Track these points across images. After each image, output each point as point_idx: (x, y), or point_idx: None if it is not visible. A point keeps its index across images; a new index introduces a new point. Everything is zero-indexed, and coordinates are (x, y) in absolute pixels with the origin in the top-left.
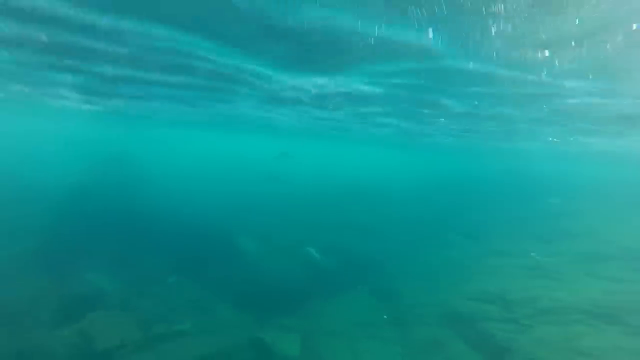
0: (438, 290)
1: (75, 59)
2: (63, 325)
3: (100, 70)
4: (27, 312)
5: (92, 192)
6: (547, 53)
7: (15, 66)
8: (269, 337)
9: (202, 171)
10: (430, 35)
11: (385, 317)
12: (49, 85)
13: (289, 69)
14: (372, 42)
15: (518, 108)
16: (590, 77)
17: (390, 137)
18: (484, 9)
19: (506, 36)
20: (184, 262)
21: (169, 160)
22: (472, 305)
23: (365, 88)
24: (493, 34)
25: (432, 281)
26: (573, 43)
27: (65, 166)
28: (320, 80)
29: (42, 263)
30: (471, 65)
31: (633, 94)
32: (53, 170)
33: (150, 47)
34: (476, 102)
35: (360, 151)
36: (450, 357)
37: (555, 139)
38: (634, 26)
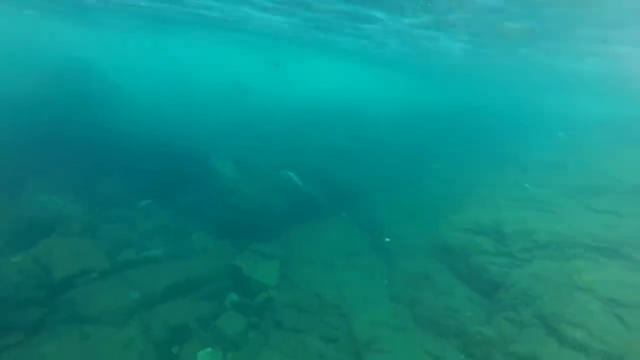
0: (425, 221)
1: None
2: (14, 252)
3: None
4: None
5: (47, 102)
6: None
7: None
8: (246, 264)
9: (168, 80)
10: None
11: (385, 282)
12: None
13: None
14: None
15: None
16: None
17: (387, 56)
18: None
19: None
20: (155, 185)
21: (132, 67)
22: (462, 237)
23: None
24: None
25: (418, 211)
26: None
27: (14, 72)
28: None
29: None
30: None
31: None
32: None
33: None
34: None
35: (351, 69)
36: (440, 292)
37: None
38: None
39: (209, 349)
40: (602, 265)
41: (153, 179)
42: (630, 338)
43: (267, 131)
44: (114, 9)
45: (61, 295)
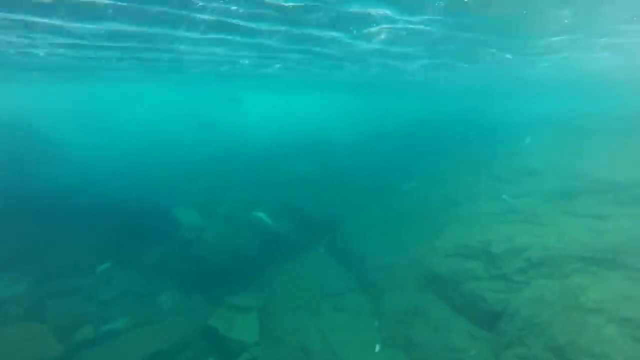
0: (407, 247)
1: None
2: None
3: None
4: None
5: None
6: None
7: None
8: (222, 322)
9: (118, 128)
10: None
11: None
12: None
13: None
14: None
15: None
16: None
17: (340, 81)
18: None
19: None
20: (114, 245)
21: (73, 120)
22: (451, 263)
23: None
24: None
25: (399, 238)
26: None
27: None
28: None
29: None
30: None
31: None
32: None
33: None
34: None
35: (308, 98)
36: (436, 329)
37: None
38: None
39: None
40: (603, 278)
41: (111, 239)
42: None
43: (231, 168)
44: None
45: None
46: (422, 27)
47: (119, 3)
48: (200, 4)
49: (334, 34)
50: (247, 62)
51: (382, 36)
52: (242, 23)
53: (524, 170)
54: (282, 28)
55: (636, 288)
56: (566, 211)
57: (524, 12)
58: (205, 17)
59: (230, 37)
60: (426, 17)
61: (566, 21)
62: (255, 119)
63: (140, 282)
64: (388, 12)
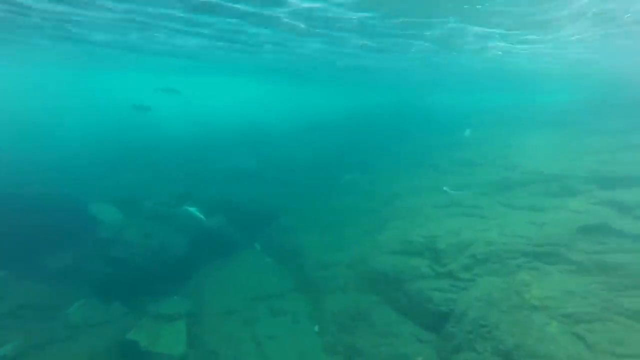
0: (349, 243)
1: None
2: None
3: None
4: None
5: None
6: None
7: None
8: (144, 334)
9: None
10: None
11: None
12: None
13: None
14: None
15: None
16: None
17: (273, 68)
18: None
19: None
20: (10, 252)
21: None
22: (395, 260)
23: None
24: None
25: (340, 233)
26: None
27: None
28: None
29: None
30: None
31: None
32: None
33: None
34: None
35: (248, 87)
36: (381, 334)
37: None
38: None
39: None
40: (545, 273)
41: (6, 243)
42: None
43: (162, 158)
44: None
45: None
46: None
47: None
48: None
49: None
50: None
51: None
52: None
53: (463, 161)
54: None
55: (573, 282)
56: (505, 203)
57: None
58: None
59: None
60: None
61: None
62: (192, 107)
63: (43, 293)
64: None
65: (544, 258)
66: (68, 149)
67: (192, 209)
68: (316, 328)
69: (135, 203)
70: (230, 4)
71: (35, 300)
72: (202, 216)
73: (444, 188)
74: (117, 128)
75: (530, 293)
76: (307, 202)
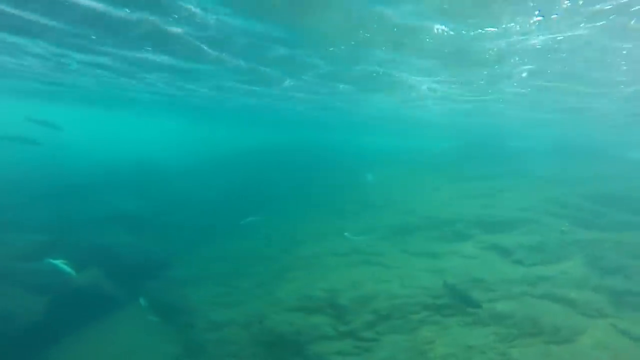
0: (244, 299)
1: None
2: None
3: None
4: None
5: None
6: None
7: None
8: None
9: None
10: None
11: None
12: None
13: None
14: None
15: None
16: None
17: (164, 102)
18: None
19: None
20: None
21: None
22: (294, 318)
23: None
24: None
25: (235, 284)
26: None
27: None
28: None
29: None
30: None
31: None
32: None
33: None
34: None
35: (137, 121)
36: None
37: None
38: None
39: None
40: (445, 327)
41: None
42: None
43: (25, 200)
44: None
45: None
46: None
47: None
48: None
49: None
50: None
51: None
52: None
53: (364, 204)
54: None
55: (472, 335)
56: (405, 249)
57: None
58: None
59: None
60: None
61: None
62: (70, 141)
63: None
64: None
65: (444, 310)
66: None
67: (57, 262)
68: None
69: None
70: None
71: None
72: (70, 270)
73: (345, 234)
74: None
75: (434, 352)
76: (201, 249)
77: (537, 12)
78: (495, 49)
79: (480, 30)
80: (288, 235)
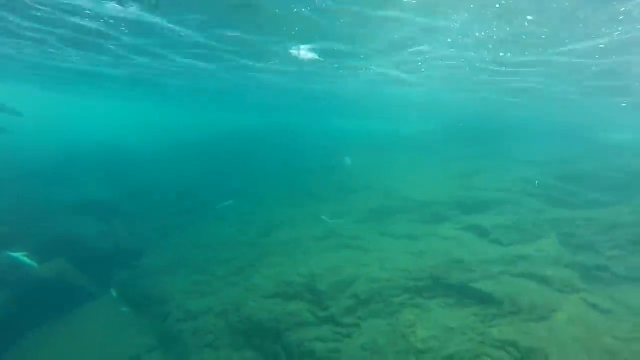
0: (220, 286)
1: None
2: None
3: None
4: None
5: None
6: None
7: None
8: None
9: None
10: None
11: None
12: None
13: None
14: None
15: None
16: None
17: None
18: None
19: None
20: None
21: None
22: (272, 305)
23: None
24: None
25: (211, 271)
26: None
27: None
28: None
29: None
30: None
31: None
32: None
33: None
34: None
35: (107, 104)
36: None
37: None
38: None
39: None
40: (426, 309)
41: None
42: None
43: None
44: None
45: None
46: None
47: None
48: None
49: None
50: None
51: None
52: None
53: (341, 187)
54: None
55: (451, 317)
56: (384, 232)
57: None
58: None
59: None
60: None
61: None
62: (36, 125)
63: None
64: None
65: (424, 292)
66: None
67: (17, 255)
68: None
69: None
70: None
71: None
72: (31, 262)
73: (323, 217)
74: None
75: (415, 335)
76: (175, 236)
77: None
78: None
79: None
80: (264, 220)
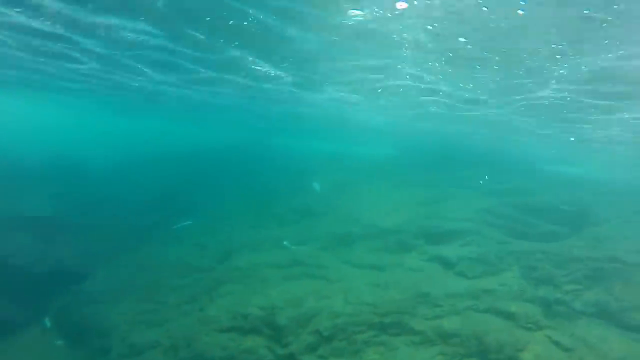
0: (171, 317)
1: None
2: None
3: None
4: None
5: None
6: None
7: None
8: None
9: None
10: None
11: None
12: None
13: None
14: None
15: None
16: None
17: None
18: None
19: None
20: None
21: None
22: (227, 341)
23: None
24: None
25: (160, 300)
26: None
27: None
28: None
29: None
30: None
31: None
32: None
33: None
34: None
35: (64, 113)
36: None
37: None
38: None
39: None
40: (392, 348)
41: None
42: None
43: None
44: None
45: None
46: None
47: None
48: None
49: None
50: None
51: None
52: None
53: (304, 211)
54: None
55: (419, 357)
56: (347, 261)
57: None
58: None
59: None
60: None
61: None
62: None
63: None
64: None
65: (389, 329)
66: None
67: None
68: None
69: None
70: None
71: None
72: None
73: (285, 242)
74: None
75: None
76: (124, 258)
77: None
78: None
79: None
80: (223, 243)
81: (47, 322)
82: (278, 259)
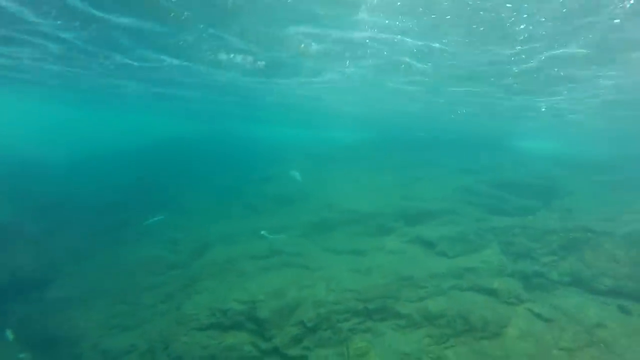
0: (145, 318)
1: None
2: None
3: None
4: None
5: None
6: None
7: None
8: None
9: None
10: None
11: None
12: None
13: None
14: None
15: None
16: None
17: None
18: None
19: None
20: None
21: None
22: (207, 339)
23: None
24: None
25: (133, 301)
26: None
27: None
28: None
29: None
30: None
31: None
32: None
33: None
34: None
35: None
36: None
37: None
38: None
39: None
40: (378, 334)
41: None
42: None
43: None
44: None
45: None
46: None
47: None
48: None
49: None
50: None
51: None
52: None
53: (279, 199)
54: None
55: (407, 341)
56: (327, 248)
57: None
58: None
59: None
60: None
61: None
62: None
63: None
64: None
65: (375, 315)
66: None
67: None
68: None
69: None
70: None
71: None
72: None
73: (262, 232)
74: None
75: None
76: (92, 260)
77: None
78: None
79: None
80: (198, 237)
81: (9, 334)
82: (255, 250)
